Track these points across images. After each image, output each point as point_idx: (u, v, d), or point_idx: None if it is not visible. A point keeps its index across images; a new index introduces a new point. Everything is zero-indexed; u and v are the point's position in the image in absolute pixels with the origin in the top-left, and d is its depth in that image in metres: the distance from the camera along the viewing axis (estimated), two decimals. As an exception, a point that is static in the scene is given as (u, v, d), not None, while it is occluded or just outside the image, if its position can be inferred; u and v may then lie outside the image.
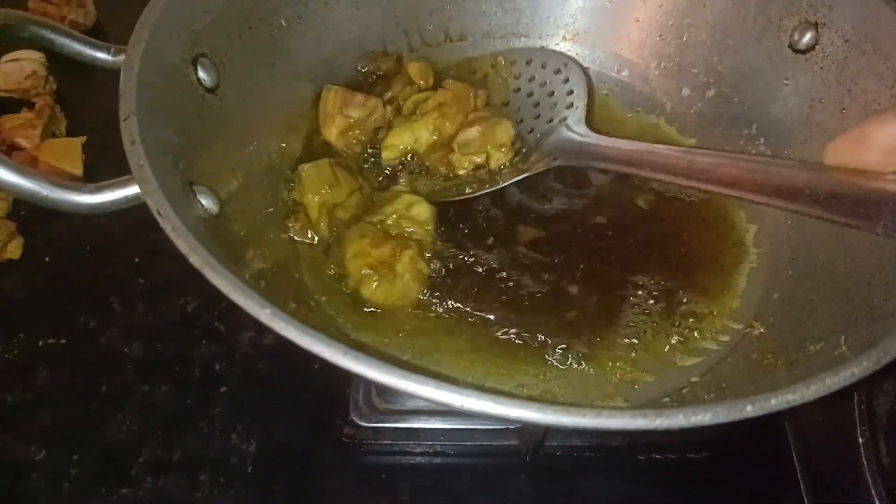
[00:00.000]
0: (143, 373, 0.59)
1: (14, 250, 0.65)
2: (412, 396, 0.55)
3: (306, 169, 0.52)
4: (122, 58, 0.45)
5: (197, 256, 0.32)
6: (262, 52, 0.52)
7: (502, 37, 0.66)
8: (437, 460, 0.54)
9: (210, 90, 0.47)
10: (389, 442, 0.54)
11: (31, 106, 0.75)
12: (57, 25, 0.43)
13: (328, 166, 0.53)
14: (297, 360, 0.60)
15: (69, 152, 0.71)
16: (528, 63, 0.63)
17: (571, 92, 0.60)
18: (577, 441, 0.55)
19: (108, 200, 0.37)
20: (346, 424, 0.55)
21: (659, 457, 0.55)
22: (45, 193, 0.36)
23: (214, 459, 0.55)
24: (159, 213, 0.33)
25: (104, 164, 0.72)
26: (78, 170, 0.70)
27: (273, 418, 0.57)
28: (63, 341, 0.61)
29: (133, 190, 0.37)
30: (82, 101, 0.79)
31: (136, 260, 0.66)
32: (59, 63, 0.80)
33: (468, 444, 0.54)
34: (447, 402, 0.28)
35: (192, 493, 0.54)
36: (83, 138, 0.73)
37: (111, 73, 0.80)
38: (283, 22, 0.54)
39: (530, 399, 0.28)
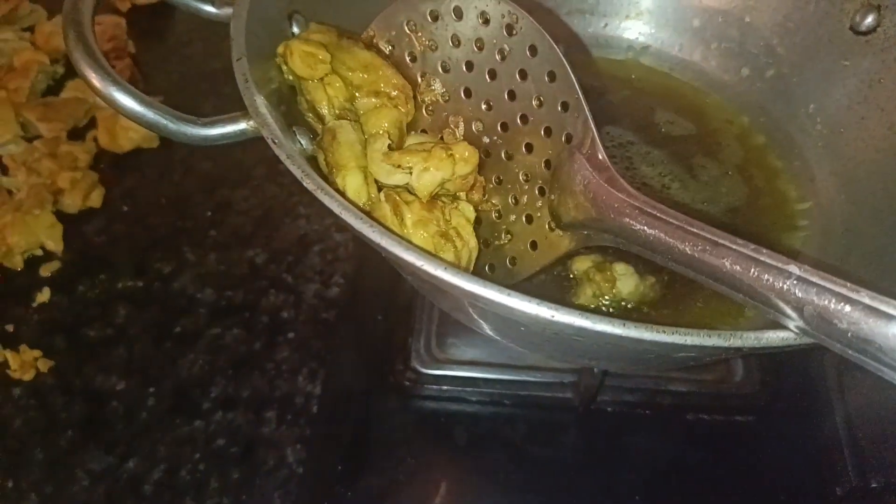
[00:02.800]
0: (214, 317, 0.63)
1: (95, 199, 0.69)
2: (473, 343, 0.58)
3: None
4: (224, 10, 0.48)
5: (311, 181, 0.34)
6: (342, 10, 0.54)
7: (567, 13, 0.69)
8: (493, 409, 0.57)
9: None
10: (448, 388, 0.57)
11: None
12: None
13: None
14: (362, 311, 0.64)
15: (147, 110, 0.74)
16: (456, 14, 0.47)
17: (553, 77, 0.45)
18: (629, 397, 0.57)
19: (219, 133, 0.40)
20: (407, 370, 0.58)
21: (706, 417, 0.57)
22: (165, 123, 0.40)
23: (281, 399, 0.58)
24: (274, 142, 0.36)
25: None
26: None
27: (337, 363, 0.60)
28: (140, 284, 0.64)
29: (240, 126, 0.40)
30: (157, 65, 0.82)
31: (208, 214, 0.70)
32: (136, 29, 0.84)
33: (523, 394, 0.57)
34: (536, 314, 0.30)
35: (260, 429, 0.57)
36: (160, 98, 0.77)
37: (185, 40, 0.85)
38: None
39: (611, 315, 0.30)
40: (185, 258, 0.66)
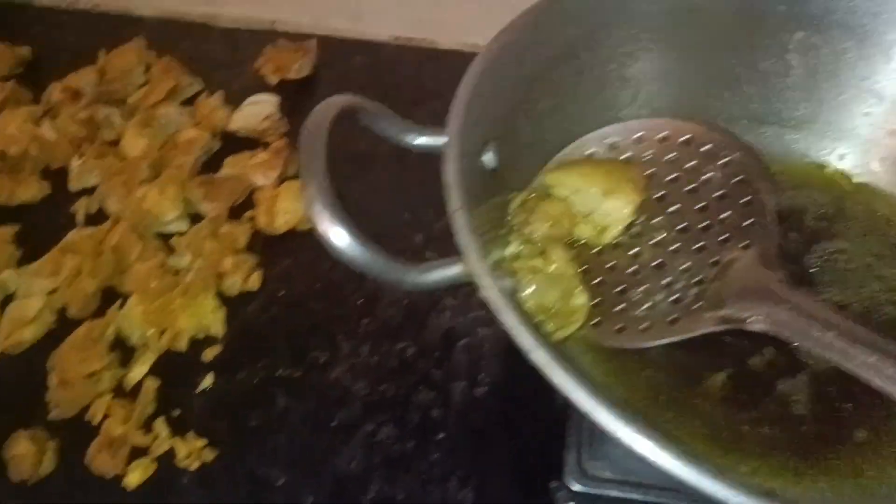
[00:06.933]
0: (369, 411, 0.64)
1: (254, 282, 0.72)
2: (630, 461, 0.57)
3: None
4: (423, 141, 0.50)
5: (542, 353, 0.35)
6: (526, 132, 0.55)
7: (727, 120, 0.68)
8: (650, 534, 0.56)
9: (492, 172, 0.51)
10: (605, 509, 0.57)
11: (265, 146, 0.82)
12: (388, 111, 0.49)
13: None
14: (510, 414, 0.64)
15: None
16: (686, 142, 0.56)
17: (749, 202, 0.53)
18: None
19: (434, 280, 0.41)
20: (561, 487, 0.57)
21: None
22: (388, 272, 0.41)
23: (435, 505, 0.59)
24: (497, 308, 0.37)
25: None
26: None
27: (488, 471, 0.61)
28: (298, 373, 0.66)
29: (455, 270, 0.41)
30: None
31: (359, 302, 0.71)
32: (288, 104, 0.87)
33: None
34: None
35: (418, 534, 0.58)
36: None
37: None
38: (552, 103, 0.57)
39: None
40: (339, 347, 0.68)
